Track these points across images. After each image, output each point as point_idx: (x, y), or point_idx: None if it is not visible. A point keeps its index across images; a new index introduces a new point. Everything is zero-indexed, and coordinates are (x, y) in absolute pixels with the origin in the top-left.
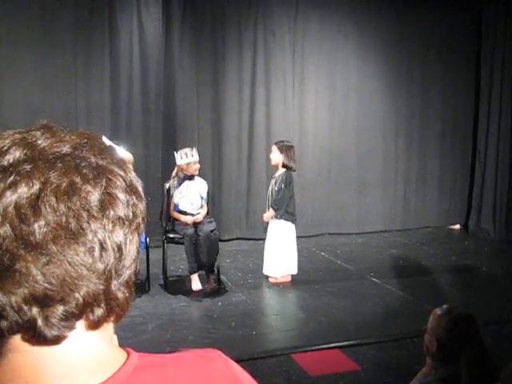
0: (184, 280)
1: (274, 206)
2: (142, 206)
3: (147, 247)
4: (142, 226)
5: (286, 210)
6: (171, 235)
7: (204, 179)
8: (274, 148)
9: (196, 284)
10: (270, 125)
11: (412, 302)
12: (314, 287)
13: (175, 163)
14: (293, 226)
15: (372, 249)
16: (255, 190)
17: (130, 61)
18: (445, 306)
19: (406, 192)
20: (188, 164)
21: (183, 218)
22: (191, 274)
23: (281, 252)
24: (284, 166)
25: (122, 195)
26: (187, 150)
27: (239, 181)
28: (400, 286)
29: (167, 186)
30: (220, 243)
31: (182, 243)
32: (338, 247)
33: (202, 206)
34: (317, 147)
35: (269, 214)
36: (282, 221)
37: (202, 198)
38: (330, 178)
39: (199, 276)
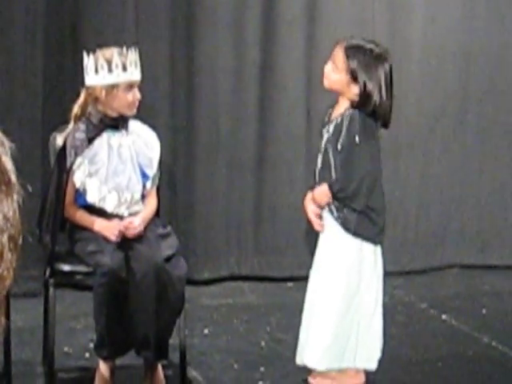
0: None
1: (338, 191)
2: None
3: (6, 298)
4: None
5: (367, 206)
6: (66, 267)
7: (154, 131)
8: (339, 52)
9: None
10: None
11: None
12: None
13: (81, 84)
14: (377, 249)
15: None
16: (277, 158)
17: None
18: None
19: None
20: (112, 89)
21: (99, 223)
22: (101, 358)
23: (341, 314)
24: (357, 100)
25: None
26: (111, 52)
27: (237, 134)
28: None
29: (60, 141)
30: (189, 289)
31: (90, 287)
32: (484, 300)
33: (143, 197)
34: (429, 54)
35: (321, 191)
36: (356, 242)
37: (145, 175)
38: (466, 127)
39: (130, 371)
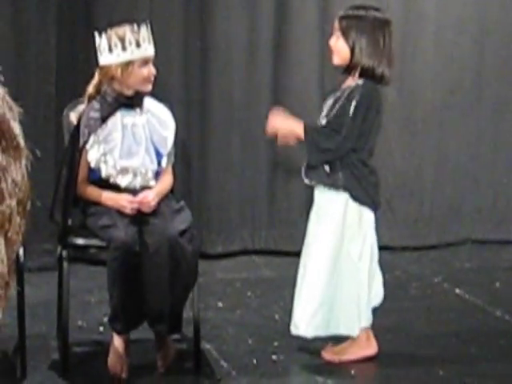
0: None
1: (315, 137)
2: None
3: (20, 271)
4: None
5: (350, 172)
6: (80, 241)
7: (168, 107)
8: (338, 28)
9: (117, 359)
10: None
11: None
12: (436, 373)
13: (95, 63)
14: (370, 215)
15: None
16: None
17: None
18: None
19: None
20: (127, 67)
21: (111, 197)
22: (116, 332)
23: (325, 280)
24: (363, 71)
25: None
26: (123, 30)
27: (251, 109)
28: None
29: (74, 119)
30: (203, 263)
31: (104, 262)
32: (498, 274)
33: (157, 174)
34: (444, 28)
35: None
36: (341, 197)
37: (158, 153)
38: (482, 102)
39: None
